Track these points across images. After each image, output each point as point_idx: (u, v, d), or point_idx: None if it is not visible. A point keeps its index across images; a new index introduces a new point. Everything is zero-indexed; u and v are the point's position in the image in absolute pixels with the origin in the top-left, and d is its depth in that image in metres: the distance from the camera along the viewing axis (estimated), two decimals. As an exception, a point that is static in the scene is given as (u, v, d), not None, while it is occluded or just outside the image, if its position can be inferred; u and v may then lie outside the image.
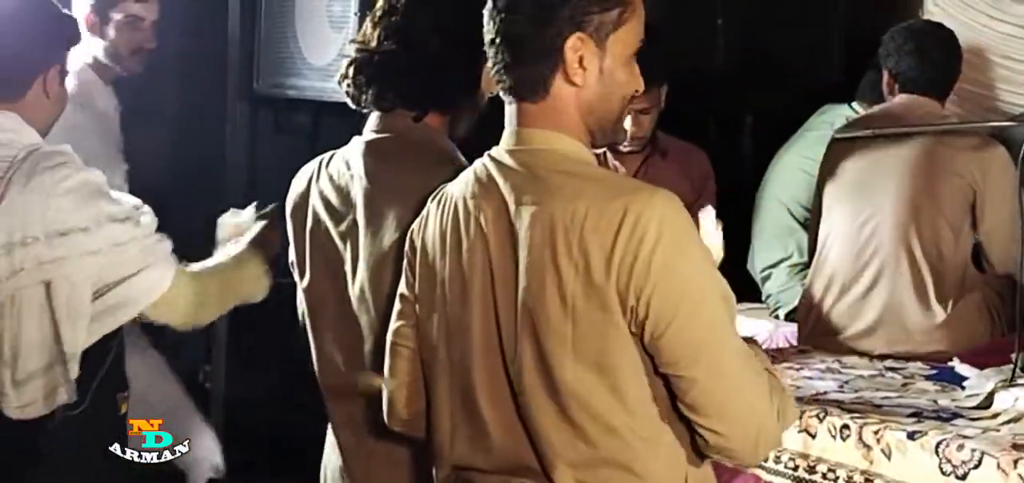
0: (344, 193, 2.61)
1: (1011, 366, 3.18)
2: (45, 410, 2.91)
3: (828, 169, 3.98)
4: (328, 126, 5.22)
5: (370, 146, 2.60)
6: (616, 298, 2.09)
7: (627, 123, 4.10)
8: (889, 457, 2.93)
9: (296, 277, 2.70)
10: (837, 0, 5.46)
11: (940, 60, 3.91)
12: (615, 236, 2.08)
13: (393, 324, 2.37)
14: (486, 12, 2.24)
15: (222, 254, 3.23)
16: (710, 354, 2.12)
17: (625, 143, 4.21)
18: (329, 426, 2.73)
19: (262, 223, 3.26)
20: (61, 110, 3.11)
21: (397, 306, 2.36)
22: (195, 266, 3.13)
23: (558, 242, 2.11)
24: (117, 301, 2.94)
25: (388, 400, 2.39)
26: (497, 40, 2.21)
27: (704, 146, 4.63)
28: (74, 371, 2.90)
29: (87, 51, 4.13)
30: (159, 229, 3.03)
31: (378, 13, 2.62)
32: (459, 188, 2.27)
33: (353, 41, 2.67)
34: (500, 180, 2.21)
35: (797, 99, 5.13)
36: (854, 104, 4.80)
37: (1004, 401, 3.08)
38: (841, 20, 5.45)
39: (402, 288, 2.36)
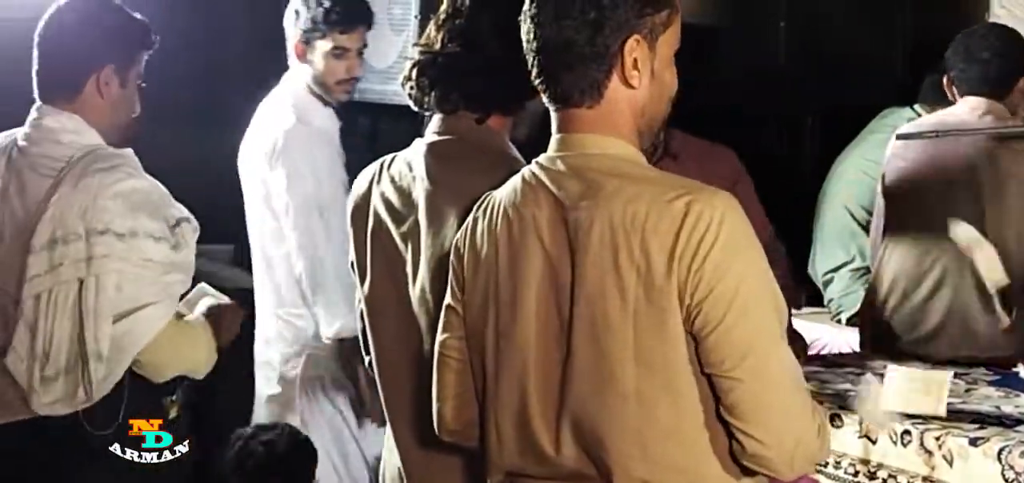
0: (406, 195, 2.62)
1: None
2: (68, 409, 2.91)
3: (890, 172, 3.95)
4: (388, 129, 5.25)
5: (432, 148, 2.61)
6: (676, 297, 2.09)
7: None
8: (951, 463, 2.90)
9: (356, 280, 2.71)
10: (901, 1, 5.43)
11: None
12: (677, 234, 2.08)
13: (440, 335, 2.35)
14: (526, 19, 2.23)
15: (195, 313, 3.16)
16: (756, 357, 2.11)
17: None
18: (387, 427, 2.74)
19: (210, 301, 3.19)
20: (126, 116, 3.06)
21: (443, 317, 2.35)
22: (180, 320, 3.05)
23: (619, 245, 2.11)
24: (123, 332, 2.88)
25: (437, 411, 2.38)
26: (545, 46, 2.20)
27: (766, 147, 4.60)
28: (99, 372, 2.87)
29: (301, 76, 4.21)
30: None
31: (442, 16, 2.63)
32: (507, 195, 2.26)
33: (416, 44, 2.68)
34: (552, 186, 2.20)
35: (859, 101, 5.11)
36: (916, 106, 4.76)
37: (1069, 408, 3.05)
38: (904, 22, 5.43)
39: (448, 299, 2.34)
